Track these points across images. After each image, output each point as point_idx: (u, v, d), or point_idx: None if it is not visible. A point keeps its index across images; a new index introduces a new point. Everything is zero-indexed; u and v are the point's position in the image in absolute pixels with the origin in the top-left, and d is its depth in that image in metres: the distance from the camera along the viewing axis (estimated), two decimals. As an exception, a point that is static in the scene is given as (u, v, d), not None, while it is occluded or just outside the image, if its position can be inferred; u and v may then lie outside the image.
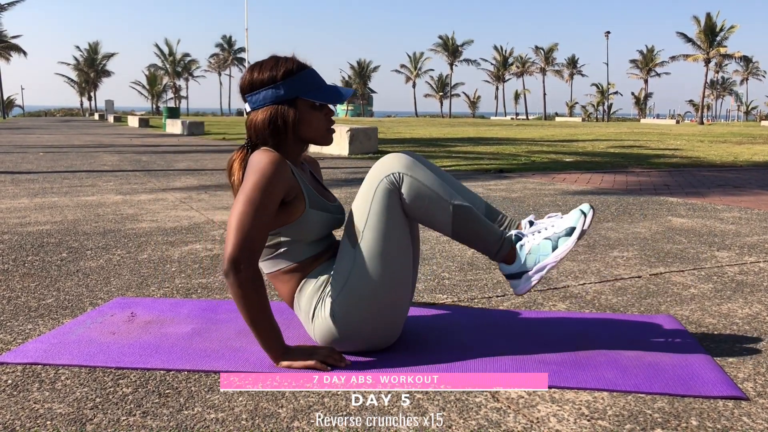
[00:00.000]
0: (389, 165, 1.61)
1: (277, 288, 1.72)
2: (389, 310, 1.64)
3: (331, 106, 1.72)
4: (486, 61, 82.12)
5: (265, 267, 1.70)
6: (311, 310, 1.65)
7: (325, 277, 1.67)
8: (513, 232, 1.67)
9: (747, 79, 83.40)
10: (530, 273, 1.63)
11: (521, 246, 1.65)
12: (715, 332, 1.89)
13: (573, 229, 1.61)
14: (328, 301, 1.63)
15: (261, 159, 1.55)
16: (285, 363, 1.56)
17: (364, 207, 1.61)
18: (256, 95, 1.64)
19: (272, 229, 1.63)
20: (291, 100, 1.63)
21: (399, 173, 1.59)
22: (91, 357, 1.65)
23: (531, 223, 1.71)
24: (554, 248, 1.61)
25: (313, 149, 11.04)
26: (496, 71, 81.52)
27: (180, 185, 5.90)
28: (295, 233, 1.64)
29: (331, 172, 7.04)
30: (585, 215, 1.63)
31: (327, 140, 1.72)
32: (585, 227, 1.62)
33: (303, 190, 1.64)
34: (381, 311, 1.62)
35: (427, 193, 1.59)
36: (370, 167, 1.64)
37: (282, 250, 1.66)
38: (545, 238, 1.63)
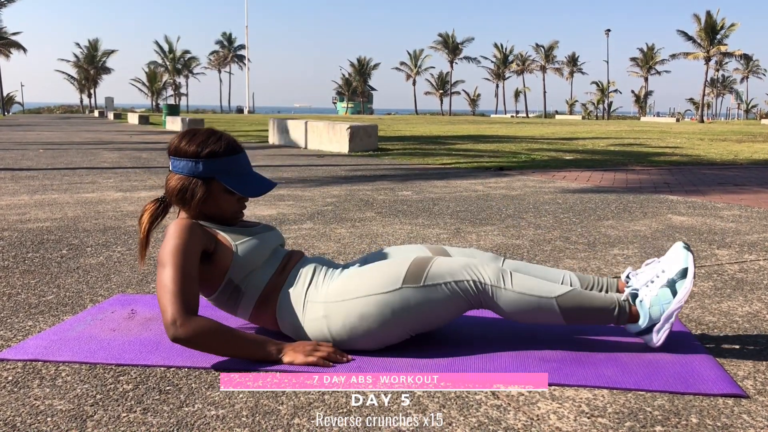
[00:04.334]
0: (479, 269, 1.62)
1: (261, 324, 1.73)
2: (391, 337, 1.65)
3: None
4: (486, 58, 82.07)
5: (242, 315, 1.72)
6: (298, 315, 1.65)
7: (299, 284, 1.68)
8: (627, 291, 1.68)
9: (747, 78, 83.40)
10: (659, 324, 1.63)
11: (640, 302, 1.65)
12: (715, 330, 1.89)
13: (686, 270, 1.63)
14: (321, 299, 1.64)
15: (171, 229, 1.60)
16: (287, 359, 1.56)
17: (437, 274, 1.61)
18: (178, 161, 1.68)
19: (216, 284, 1.67)
20: (207, 178, 1.67)
21: (488, 285, 1.60)
22: (91, 354, 1.65)
23: (629, 277, 1.73)
24: (674, 293, 1.62)
25: (315, 146, 11.03)
26: (497, 69, 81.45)
27: (180, 182, 5.88)
28: (242, 268, 1.66)
29: (332, 169, 7.01)
30: (691, 252, 1.65)
31: (233, 222, 1.75)
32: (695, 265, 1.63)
33: (221, 233, 1.67)
34: (380, 337, 1.63)
35: (526, 299, 1.60)
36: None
37: (243, 290, 1.68)
38: (661, 287, 1.64)
